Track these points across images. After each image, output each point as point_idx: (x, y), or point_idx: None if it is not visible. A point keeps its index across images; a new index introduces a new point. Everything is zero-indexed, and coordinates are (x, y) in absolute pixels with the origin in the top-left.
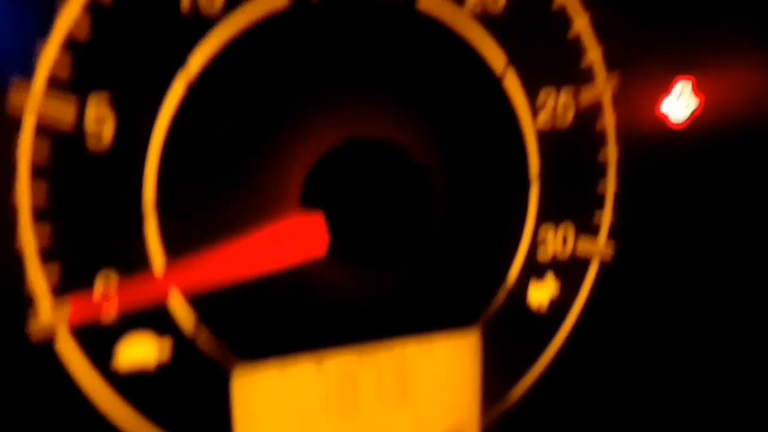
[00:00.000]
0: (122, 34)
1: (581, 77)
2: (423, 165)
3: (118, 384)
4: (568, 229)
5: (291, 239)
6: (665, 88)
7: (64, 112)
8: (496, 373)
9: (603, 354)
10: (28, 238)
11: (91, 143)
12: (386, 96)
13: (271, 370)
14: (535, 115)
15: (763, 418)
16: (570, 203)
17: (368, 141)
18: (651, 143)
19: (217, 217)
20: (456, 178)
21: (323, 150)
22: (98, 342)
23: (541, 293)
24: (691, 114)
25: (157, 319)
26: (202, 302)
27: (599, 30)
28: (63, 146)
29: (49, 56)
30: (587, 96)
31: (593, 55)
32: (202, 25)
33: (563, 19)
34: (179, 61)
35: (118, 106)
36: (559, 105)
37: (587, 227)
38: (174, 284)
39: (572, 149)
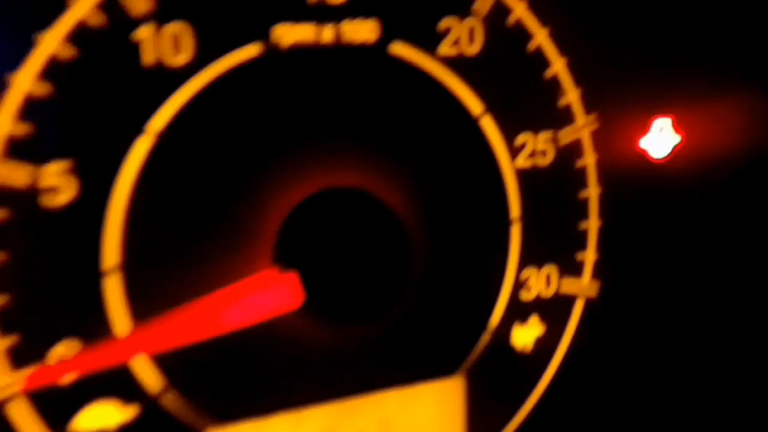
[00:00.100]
0: (83, 90)
1: (560, 118)
2: (399, 213)
3: None
4: (551, 270)
5: (263, 294)
6: (643, 127)
7: (19, 175)
8: (484, 417)
9: (590, 392)
10: None
11: (48, 202)
12: (361, 143)
13: None
14: (514, 155)
15: None
16: (552, 243)
17: (342, 190)
18: (633, 179)
19: (186, 278)
20: (435, 225)
21: (296, 202)
22: (56, 406)
23: (526, 335)
24: (673, 149)
25: (120, 382)
26: (169, 362)
27: (576, 72)
28: (18, 205)
29: (5, 116)
30: (566, 136)
31: (571, 96)
32: (167, 78)
33: (540, 62)
34: (144, 115)
35: (79, 165)
36: (538, 145)
37: (571, 267)
38: (139, 347)
39: (553, 188)
